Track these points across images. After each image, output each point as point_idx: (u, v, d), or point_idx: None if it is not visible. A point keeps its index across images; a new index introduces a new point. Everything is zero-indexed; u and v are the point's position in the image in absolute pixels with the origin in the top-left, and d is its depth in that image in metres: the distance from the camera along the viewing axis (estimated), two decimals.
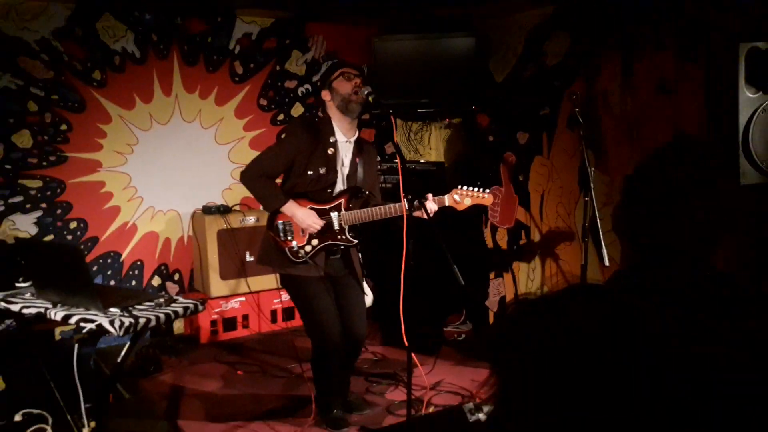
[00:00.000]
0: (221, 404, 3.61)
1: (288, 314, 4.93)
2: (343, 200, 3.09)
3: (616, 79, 4.01)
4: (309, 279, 3.07)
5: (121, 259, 4.58)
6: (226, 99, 4.91)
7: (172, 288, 4.77)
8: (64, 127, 4.32)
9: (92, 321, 2.31)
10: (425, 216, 2.73)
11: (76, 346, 2.39)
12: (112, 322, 2.29)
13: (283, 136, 3.17)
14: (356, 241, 3.12)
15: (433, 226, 2.76)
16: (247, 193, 4.93)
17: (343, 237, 3.10)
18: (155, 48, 4.59)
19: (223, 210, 4.65)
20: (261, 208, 3.11)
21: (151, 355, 4.06)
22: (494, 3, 4.41)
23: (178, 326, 4.80)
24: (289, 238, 3.04)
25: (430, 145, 5.69)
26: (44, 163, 4.27)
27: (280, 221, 3.05)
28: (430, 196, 3.06)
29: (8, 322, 3.60)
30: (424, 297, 4.19)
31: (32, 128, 4.22)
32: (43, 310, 2.50)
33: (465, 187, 3.11)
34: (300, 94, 5.23)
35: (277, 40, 5.06)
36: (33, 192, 4.25)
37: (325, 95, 3.08)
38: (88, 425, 2.83)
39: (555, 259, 4.54)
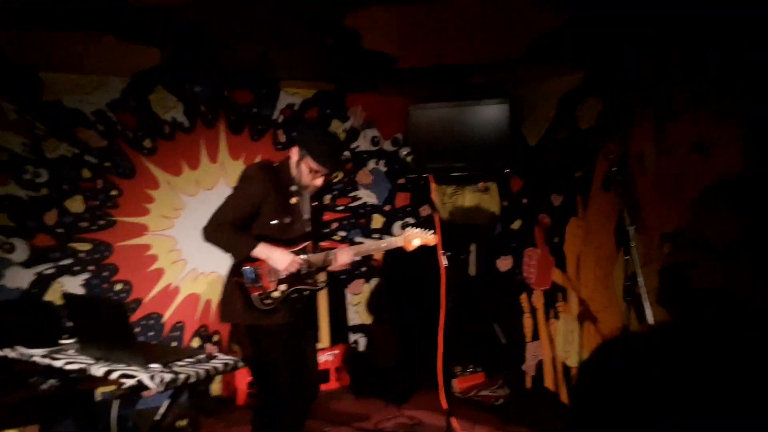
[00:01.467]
0: None
1: (323, 377, 4.92)
2: (308, 243, 3.01)
3: (650, 140, 4.04)
4: (275, 328, 2.91)
5: (163, 320, 4.69)
6: None
7: (212, 349, 4.83)
8: (114, 192, 4.54)
9: (133, 377, 2.38)
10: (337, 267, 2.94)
11: (116, 402, 2.45)
12: (152, 378, 2.35)
13: (240, 183, 2.96)
14: (322, 285, 3.07)
15: (474, 283, 2.80)
16: None
17: (311, 281, 3.03)
18: (203, 117, 4.84)
19: None
20: (240, 272, 2.90)
21: (188, 416, 4.07)
22: (526, 70, 4.54)
23: (216, 387, 4.83)
24: (258, 284, 2.88)
25: (465, 207, 5.75)
26: (94, 227, 4.48)
27: (247, 267, 2.89)
28: (337, 249, 3.08)
29: (51, 381, 3.68)
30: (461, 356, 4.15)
31: (85, 194, 4.45)
32: (85, 366, 2.58)
33: (413, 228, 3.19)
34: None
35: (319, 109, 5.29)
36: (82, 254, 4.43)
37: (294, 153, 2.96)
38: None
39: (593, 322, 4.46)
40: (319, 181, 2.94)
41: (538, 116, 4.97)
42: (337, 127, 5.38)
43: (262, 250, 2.84)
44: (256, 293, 2.87)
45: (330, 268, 3.09)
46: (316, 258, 3.02)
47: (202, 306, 4.84)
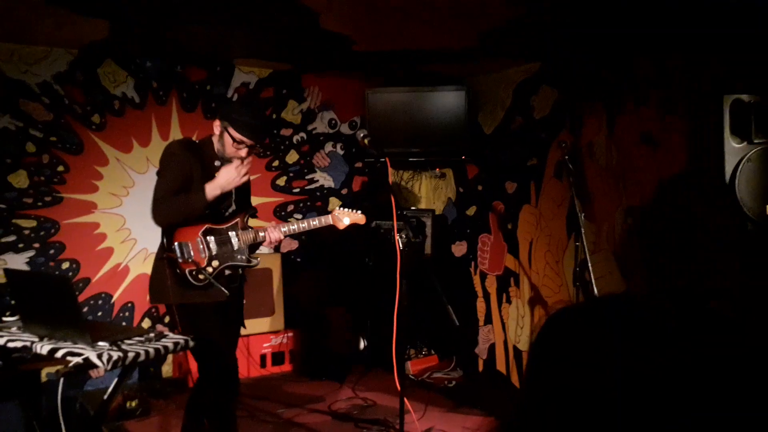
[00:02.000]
0: None
1: (277, 359, 4.91)
2: (238, 219, 3.01)
3: (601, 131, 4.14)
4: (208, 306, 2.88)
5: (112, 301, 4.57)
6: None
7: (162, 330, 4.74)
8: (61, 168, 4.39)
9: (79, 354, 2.31)
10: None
11: (62, 381, 2.37)
12: (99, 356, 2.29)
13: (164, 161, 2.89)
14: (256, 262, 3.03)
15: (429, 267, 2.83)
16: None
17: (243, 257, 3.00)
18: (155, 94, 4.71)
19: None
20: (171, 247, 2.82)
21: (138, 397, 4.00)
22: (483, 60, 4.58)
23: (167, 369, 4.75)
24: (190, 259, 2.83)
25: (421, 194, 5.78)
26: (39, 204, 4.32)
27: (176, 243, 2.84)
28: (272, 224, 3.11)
29: None
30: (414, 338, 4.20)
31: (29, 169, 4.28)
32: (29, 343, 2.49)
33: (343, 208, 3.32)
34: (295, 142, 5.34)
35: (275, 89, 5.21)
36: (26, 232, 4.28)
37: (216, 127, 2.92)
38: None
39: (544, 306, 4.56)
40: (242, 153, 2.88)
41: (494, 105, 5.02)
42: (294, 108, 5.32)
43: (211, 188, 2.79)
44: (188, 269, 2.83)
45: (264, 245, 3.11)
46: (247, 235, 3.01)
47: None
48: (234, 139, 2.85)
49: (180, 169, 2.82)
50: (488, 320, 5.05)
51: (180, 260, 2.81)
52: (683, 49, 3.56)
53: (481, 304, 5.12)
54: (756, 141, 2.90)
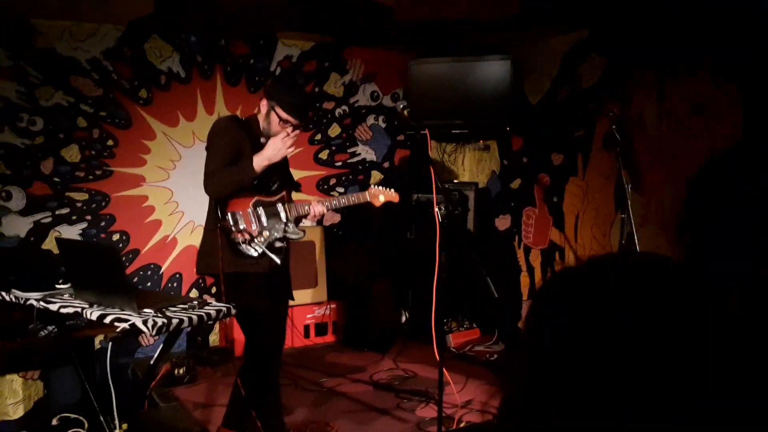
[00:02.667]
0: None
1: (320, 330, 4.98)
2: (285, 193, 3.10)
3: (651, 101, 3.99)
4: (256, 276, 2.93)
5: (161, 272, 4.71)
6: None
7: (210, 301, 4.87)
8: (110, 142, 4.51)
9: (126, 320, 2.38)
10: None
11: (110, 345, 2.46)
12: (145, 322, 2.36)
13: (213, 136, 2.97)
14: (302, 234, 3.12)
15: (469, 240, 2.81)
16: None
17: (290, 229, 3.06)
18: (200, 68, 4.77)
19: None
20: (225, 216, 2.89)
21: (186, 364, 4.13)
22: (529, 28, 4.46)
23: (214, 338, 4.89)
24: (243, 228, 2.90)
25: (464, 167, 5.72)
26: (90, 177, 4.46)
27: (230, 212, 2.91)
28: (315, 198, 3.21)
29: (50, 328, 3.72)
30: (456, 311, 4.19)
31: (80, 143, 4.41)
32: (80, 309, 2.59)
33: (379, 186, 3.42)
34: (337, 115, 5.34)
35: (317, 62, 5.21)
36: (79, 204, 4.43)
37: (263, 105, 3.00)
38: (120, 427, 2.89)
39: None
40: (288, 131, 2.94)
41: (540, 74, 4.90)
42: (336, 80, 5.31)
43: (258, 160, 2.85)
44: (241, 238, 2.90)
45: (308, 218, 3.23)
46: (293, 208, 3.11)
47: None
48: (280, 118, 2.93)
49: (230, 144, 2.90)
50: (532, 295, 5.00)
51: (233, 229, 2.90)
52: (737, 16, 3.38)
53: (525, 279, 5.06)
54: None
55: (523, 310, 5.03)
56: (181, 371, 4.09)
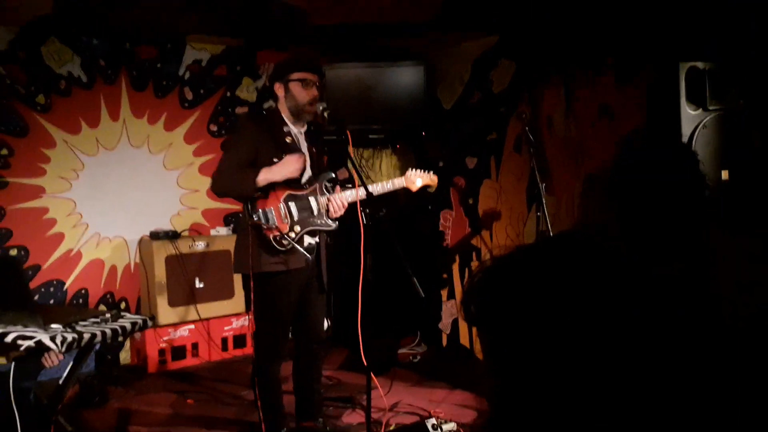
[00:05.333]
0: None
1: (239, 342, 4.83)
2: (317, 185, 3.10)
3: (559, 104, 4.16)
4: (284, 274, 2.96)
5: (65, 288, 4.41)
6: (175, 124, 4.87)
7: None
8: (4, 151, 4.19)
9: (31, 338, 2.21)
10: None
11: (13, 366, 2.27)
12: (53, 338, 2.20)
13: (231, 135, 3.07)
14: (334, 225, 3.12)
15: (393, 238, 2.83)
16: (197, 219, 4.95)
17: (322, 221, 3.09)
18: (103, 73, 4.53)
19: (172, 235, 4.55)
20: (255, 215, 2.90)
21: (95, 385, 3.88)
22: (441, 33, 4.55)
23: (125, 356, 4.63)
24: (273, 225, 2.91)
25: (381, 172, 5.74)
26: None
27: (260, 209, 2.92)
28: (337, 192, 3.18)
29: None
30: (378, 315, 4.19)
31: None
32: None
33: (414, 170, 3.37)
34: None
35: (228, 67, 5.07)
36: None
37: (279, 90, 3.02)
38: None
39: None
40: (314, 91, 2.97)
41: (453, 80, 5.00)
42: (249, 85, 5.19)
43: (264, 174, 2.86)
44: (272, 235, 2.90)
45: (331, 213, 3.14)
46: (325, 200, 3.08)
47: (107, 272, 4.59)
48: (300, 81, 2.94)
49: (246, 139, 2.93)
50: (451, 295, 5.07)
51: (264, 227, 2.88)
52: (639, 19, 3.59)
53: (443, 280, 5.13)
54: (711, 108, 2.95)
55: (443, 311, 5.09)
56: (91, 392, 3.84)
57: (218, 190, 2.97)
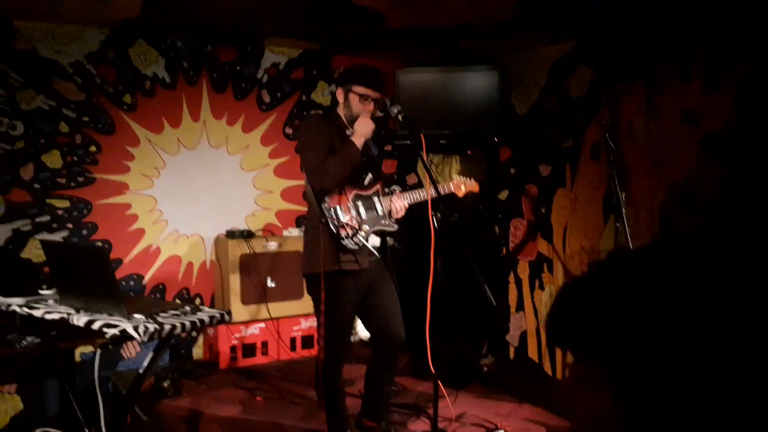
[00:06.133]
0: (239, 429, 3.54)
1: (307, 342, 4.88)
2: (379, 186, 3.11)
3: (640, 111, 4.01)
4: (355, 274, 2.97)
5: (144, 282, 4.58)
6: (252, 126, 4.99)
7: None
8: (93, 148, 4.39)
9: (116, 326, 2.29)
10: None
11: (98, 352, 2.36)
12: (136, 328, 2.26)
13: (303, 135, 3.03)
14: (396, 227, 3.12)
15: (464, 244, 2.79)
16: (271, 219, 5.03)
17: (387, 222, 3.10)
18: (185, 74, 4.69)
19: (247, 235, 4.65)
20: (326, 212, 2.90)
21: (170, 377, 4.00)
22: (518, 37, 4.47)
23: (197, 351, 4.76)
24: (345, 221, 2.91)
25: (451, 177, 5.69)
26: (72, 184, 4.33)
27: (331, 207, 2.93)
28: (396, 189, 3.22)
29: (29, 339, 3.56)
30: (446, 322, 4.14)
31: (62, 149, 4.29)
32: (65, 315, 2.48)
33: (458, 176, 3.47)
34: None
35: (304, 70, 5.16)
36: (60, 212, 4.29)
37: (339, 95, 3.04)
38: None
39: None
40: (370, 107, 2.98)
41: (529, 85, 4.91)
42: (323, 89, 5.26)
43: (354, 138, 2.91)
44: (343, 232, 2.90)
45: (393, 214, 3.16)
46: (387, 201, 3.11)
47: (184, 268, 4.74)
48: (360, 96, 2.96)
49: (324, 139, 2.94)
50: (520, 307, 4.96)
51: (336, 223, 2.90)
52: (729, 23, 3.42)
53: (512, 291, 5.03)
54: None
55: (511, 322, 4.99)
56: (165, 384, 3.95)
57: (329, 179, 2.87)
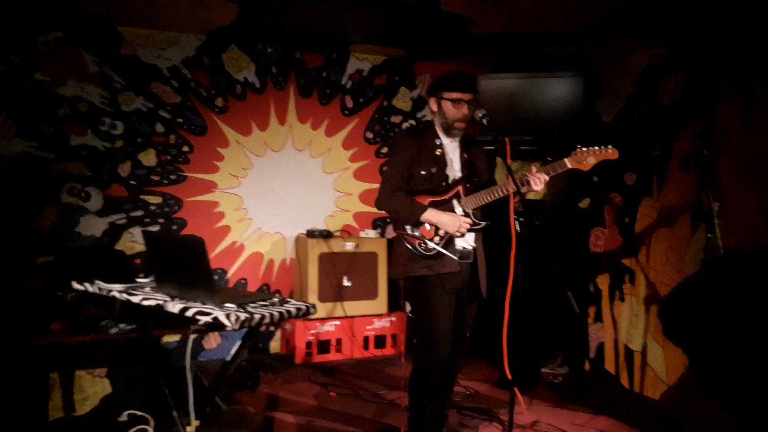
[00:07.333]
0: (314, 422, 3.63)
1: (380, 342, 4.95)
2: (460, 188, 3.07)
3: (737, 119, 3.85)
4: (432, 278, 2.97)
5: (227, 276, 4.77)
6: (335, 131, 5.12)
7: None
8: (186, 148, 4.63)
9: (209, 314, 2.41)
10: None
11: (192, 338, 2.49)
12: (228, 316, 2.38)
13: (392, 150, 3.13)
14: (484, 223, 3.06)
15: (547, 250, 2.74)
16: (349, 221, 5.14)
17: (471, 222, 3.04)
18: (274, 79, 4.88)
19: (326, 235, 4.78)
20: (402, 224, 3.00)
21: (249, 369, 4.15)
22: (605, 41, 4.39)
23: (275, 345, 4.91)
24: (416, 233, 2.99)
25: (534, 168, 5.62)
26: (165, 181, 4.58)
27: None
28: (533, 169, 3.04)
29: (122, 326, 3.74)
30: (524, 329, 4.09)
31: (158, 148, 4.55)
32: (161, 302, 2.63)
33: (584, 148, 3.10)
34: None
35: (387, 76, 5.25)
36: (153, 207, 4.54)
37: (432, 104, 3.08)
38: (191, 424, 2.90)
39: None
40: (464, 110, 3.00)
41: (616, 92, 4.80)
42: (405, 95, 5.34)
43: (431, 214, 2.96)
44: (416, 242, 2.97)
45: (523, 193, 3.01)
46: (470, 200, 3.07)
47: (266, 265, 4.91)
48: (452, 101, 2.99)
49: (405, 156, 3.01)
50: (598, 318, 4.84)
51: (408, 236, 2.99)
52: None
53: (592, 301, 4.91)
54: None
55: (588, 334, 4.87)
56: (244, 376, 4.10)
57: (383, 208, 3.06)
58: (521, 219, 3.03)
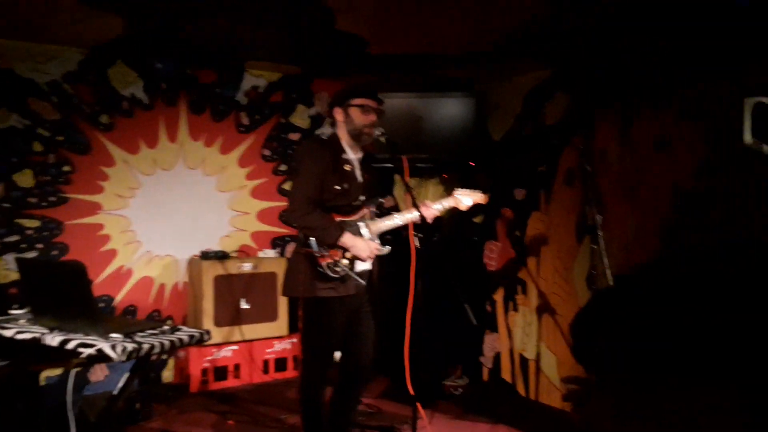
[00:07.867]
0: None
1: (280, 365, 4.84)
2: (366, 211, 3.09)
3: (614, 137, 4.12)
4: (335, 300, 2.95)
5: (114, 304, 4.50)
6: (230, 148, 4.99)
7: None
8: (67, 168, 4.34)
9: (92, 346, 2.25)
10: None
11: (73, 374, 2.31)
12: (113, 347, 2.23)
13: (300, 161, 3.02)
14: (386, 249, 3.09)
15: (447, 265, 2.81)
16: (246, 240, 5.01)
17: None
18: (164, 95, 4.69)
19: (221, 256, 4.62)
20: (309, 242, 2.91)
21: (140, 401, 3.91)
22: (496, 65, 4.57)
23: (168, 374, 4.67)
24: (326, 253, 2.92)
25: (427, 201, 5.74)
26: (44, 204, 4.26)
27: (312, 238, 2.93)
28: (427, 202, 3.18)
29: None
30: (423, 344, 4.15)
31: (35, 168, 4.23)
32: (38, 335, 2.43)
33: (462, 189, 3.35)
34: None
35: (284, 93, 5.20)
36: (30, 232, 4.21)
37: (338, 115, 3.05)
38: None
39: (551, 315, 4.51)
40: (372, 117, 3.02)
41: (504, 112, 5.01)
42: (302, 113, 5.30)
43: (348, 239, 2.92)
44: (325, 262, 2.91)
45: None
46: (375, 224, 3.09)
47: (156, 289, 4.67)
48: (360, 107, 2.99)
49: (317, 166, 2.93)
50: (494, 328, 4.99)
51: (317, 255, 2.90)
52: (701, 55, 3.56)
53: (486, 312, 5.06)
54: None
55: (485, 344, 5.01)
56: (136, 407, 3.87)
57: (297, 223, 3.00)
58: (420, 235, 3.09)
